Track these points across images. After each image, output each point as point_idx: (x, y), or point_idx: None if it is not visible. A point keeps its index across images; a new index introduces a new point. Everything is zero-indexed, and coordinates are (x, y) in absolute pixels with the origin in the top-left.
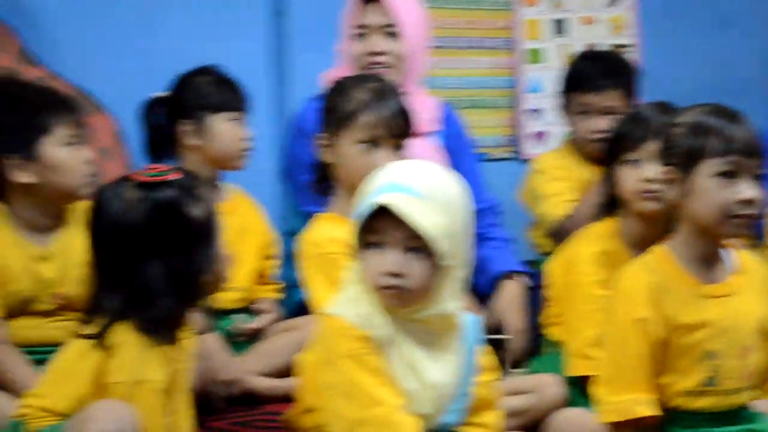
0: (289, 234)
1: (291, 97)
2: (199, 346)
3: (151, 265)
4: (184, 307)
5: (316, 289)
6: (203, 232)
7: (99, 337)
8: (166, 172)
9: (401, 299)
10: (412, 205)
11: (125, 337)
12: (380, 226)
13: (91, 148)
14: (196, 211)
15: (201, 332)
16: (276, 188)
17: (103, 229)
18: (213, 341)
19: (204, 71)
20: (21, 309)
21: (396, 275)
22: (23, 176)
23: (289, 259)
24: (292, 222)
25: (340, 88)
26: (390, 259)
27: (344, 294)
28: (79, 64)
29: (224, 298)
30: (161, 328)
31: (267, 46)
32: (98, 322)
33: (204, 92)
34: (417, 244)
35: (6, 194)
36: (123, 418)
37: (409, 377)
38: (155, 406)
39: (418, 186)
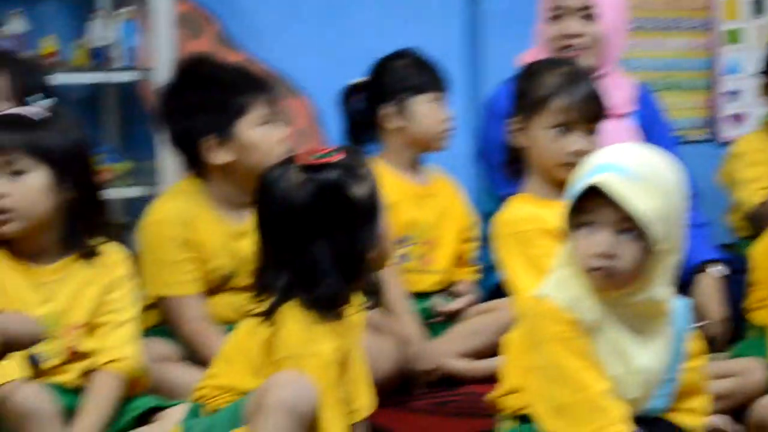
0: (484, 216)
1: (485, 79)
2: (399, 331)
3: (316, 245)
4: (349, 284)
5: (512, 268)
6: (367, 212)
7: (267, 315)
8: (330, 153)
9: (610, 282)
10: (625, 186)
11: (292, 314)
12: (592, 206)
13: (286, 128)
14: (359, 191)
15: (402, 316)
16: (471, 170)
17: (270, 210)
18: (412, 327)
19: (403, 54)
20: (220, 286)
21: (606, 257)
22: (220, 156)
23: (485, 240)
24: (487, 204)
25: (532, 72)
26: (600, 239)
27: (553, 276)
28: (278, 49)
29: (423, 281)
30: (327, 306)
31: (461, 29)
32: (266, 300)
33: (404, 74)
34: (629, 225)
35: (204, 173)
36: (301, 388)
37: (616, 362)
38: (327, 379)
39: (633, 167)
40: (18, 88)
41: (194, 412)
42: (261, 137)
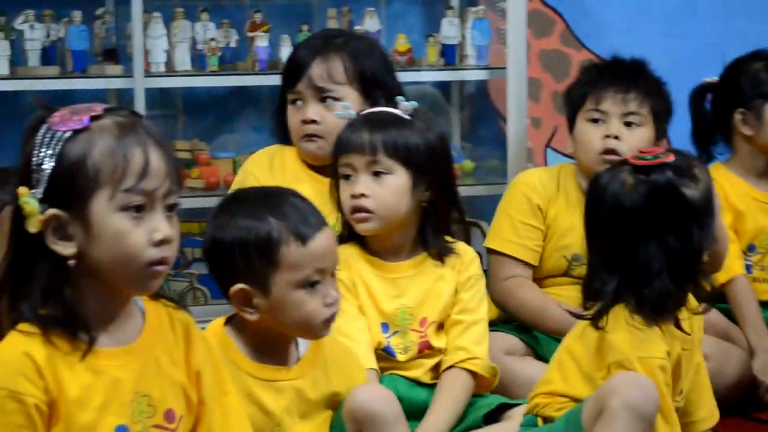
0: None
1: None
2: (747, 341)
3: (647, 247)
4: (680, 287)
5: None
6: (700, 213)
7: (596, 319)
8: (662, 154)
9: None
10: None
11: (621, 317)
12: None
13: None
14: (692, 192)
15: (751, 325)
16: None
17: (600, 213)
18: (761, 337)
19: (760, 56)
20: (560, 273)
21: None
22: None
23: None
24: None
25: None
26: None
27: None
28: (623, 47)
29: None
30: (657, 309)
31: None
32: (597, 303)
33: (760, 79)
34: None
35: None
36: (644, 389)
37: None
38: (657, 384)
39: None
40: (355, 73)
41: (530, 421)
42: (585, 133)
